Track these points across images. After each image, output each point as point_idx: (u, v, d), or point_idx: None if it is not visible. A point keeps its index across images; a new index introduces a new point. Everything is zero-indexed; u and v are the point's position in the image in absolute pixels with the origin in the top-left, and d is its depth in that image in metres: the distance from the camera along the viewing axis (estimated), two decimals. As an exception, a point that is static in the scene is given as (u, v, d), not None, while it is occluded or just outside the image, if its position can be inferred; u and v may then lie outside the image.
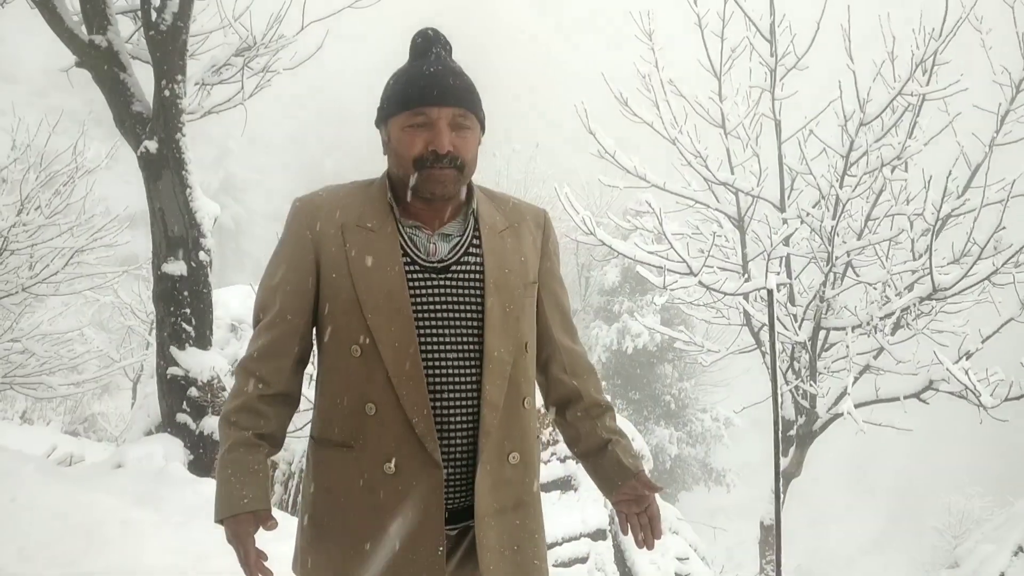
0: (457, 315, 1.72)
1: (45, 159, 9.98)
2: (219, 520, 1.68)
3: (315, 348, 1.83)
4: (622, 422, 9.85)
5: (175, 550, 3.72)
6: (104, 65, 6.01)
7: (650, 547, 1.87)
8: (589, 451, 1.93)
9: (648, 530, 1.87)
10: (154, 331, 8.25)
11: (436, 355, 1.70)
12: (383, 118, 1.78)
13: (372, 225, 1.74)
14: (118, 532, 3.84)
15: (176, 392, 6.07)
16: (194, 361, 6.07)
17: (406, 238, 1.74)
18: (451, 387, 1.70)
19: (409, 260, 1.72)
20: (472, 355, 1.72)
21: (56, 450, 8.56)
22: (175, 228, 6.06)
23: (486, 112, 1.82)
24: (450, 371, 1.70)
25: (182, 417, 6.04)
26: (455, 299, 1.73)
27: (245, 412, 1.73)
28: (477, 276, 1.75)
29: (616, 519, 9.05)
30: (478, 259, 1.77)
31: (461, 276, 1.74)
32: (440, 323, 1.71)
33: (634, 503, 1.86)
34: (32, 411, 16.04)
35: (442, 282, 1.73)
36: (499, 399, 1.73)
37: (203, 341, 6.21)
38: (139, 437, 7.01)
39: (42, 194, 9.91)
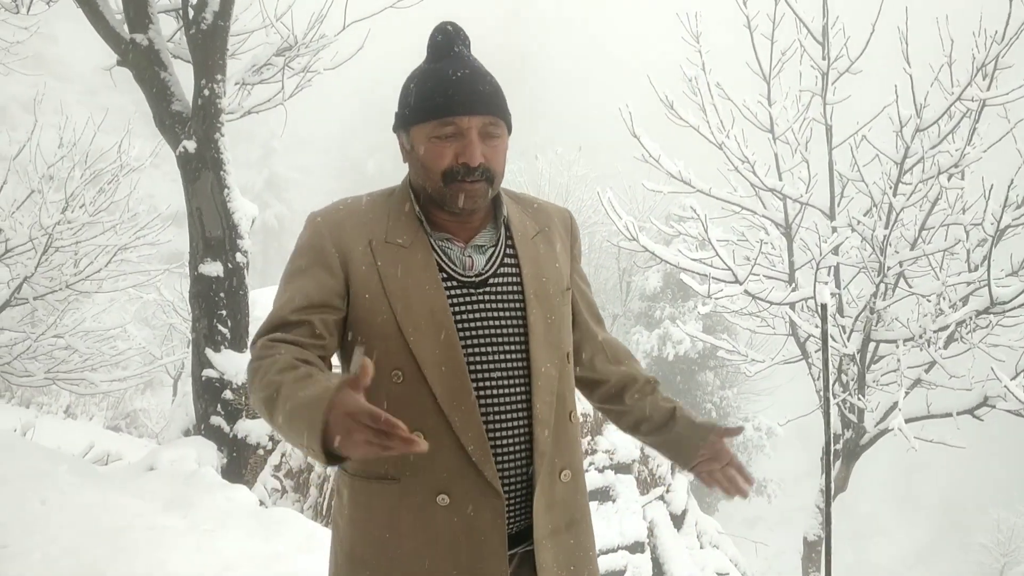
0: (500, 330, 1.62)
1: (90, 157, 10.08)
2: (321, 434, 1.27)
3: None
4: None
5: (202, 559, 3.63)
6: (145, 64, 5.99)
7: (744, 495, 1.80)
8: (658, 424, 1.85)
9: (736, 480, 1.80)
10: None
11: (482, 375, 1.59)
12: (404, 124, 1.65)
13: (403, 241, 1.62)
14: (145, 538, 3.77)
15: (211, 394, 6.03)
16: (229, 363, 6.02)
17: (439, 252, 1.63)
18: (500, 408, 1.60)
19: (446, 276, 1.61)
20: (519, 372, 1.62)
21: (93, 448, 8.60)
22: (212, 229, 6.01)
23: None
24: (498, 391, 1.60)
25: (216, 420, 6.00)
26: (496, 314, 1.62)
27: (267, 351, 1.50)
28: (516, 288, 1.65)
29: (655, 531, 8.90)
30: (514, 269, 1.67)
31: (500, 289, 1.64)
32: (483, 340, 1.60)
33: (714, 460, 1.80)
34: (76, 406, 16.25)
35: (481, 296, 1.62)
36: (549, 416, 1.63)
37: (239, 343, 6.16)
38: (177, 435, 7.00)
39: (87, 192, 10.01)
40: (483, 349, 1.60)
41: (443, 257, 1.63)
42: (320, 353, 1.56)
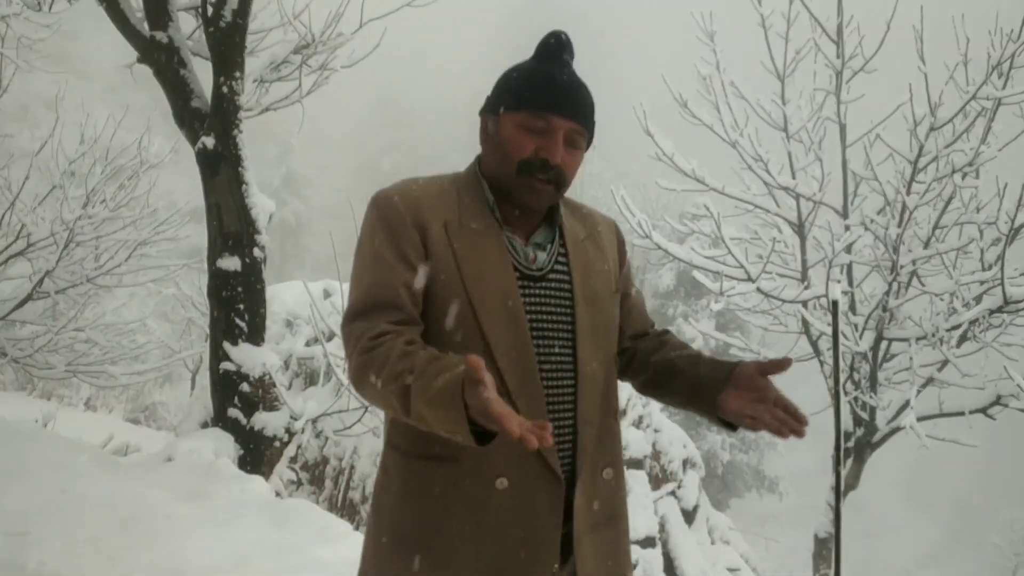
0: (552, 326, 1.65)
1: (111, 154, 10.20)
2: (461, 415, 1.32)
3: None
4: (671, 427, 9.71)
5: (218, 549, 3.71)
6: (164, 61, 6.08)
7: (800, 434, 1.52)
8: (681, 370, 1.74)
9: (789, 421, 1.53)
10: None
11: (539, 367, 1.62)
12: (495, 108, 1.69)
13: (476, 226, 1.65)
14: (163, 528, 3.86)
15: (228, 387, 6.12)
16: (246, 356, 6.10)
17: (508, 243, 1.67)
18: (552, 400, 1.63)
19: (514, 265, 1.65)
20: (565, 368, 1.65)
21: (113, 439, 8.73)
22: (230, 224, 6.10)
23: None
24: (550, 384, 1.63)
25: (233, 412, 6.08)
26: (550, 309, 1.66)
27: (372, 343, 1.51)
28: (567, 287, 1.69)
29: (666, 526, 8.94)
30: (566, 268, 1.71)
31: (554, 286, 1.68)
32: (539, 333, 1.63)
33: (755, 398, 1.58)
34: (96, 398, 16.44)
35: (540, 291, 1.66)
36: (594, 414, 1.67)
37: (256, 337, 6.24)
38: (195, 428, 7.09)
39: (107, 188, 10.14)
40: (539, 342, 1.63)
41: (511, 248, 1.66)
42: (417, 335, 1.58)
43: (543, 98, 1.62)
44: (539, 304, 1.65)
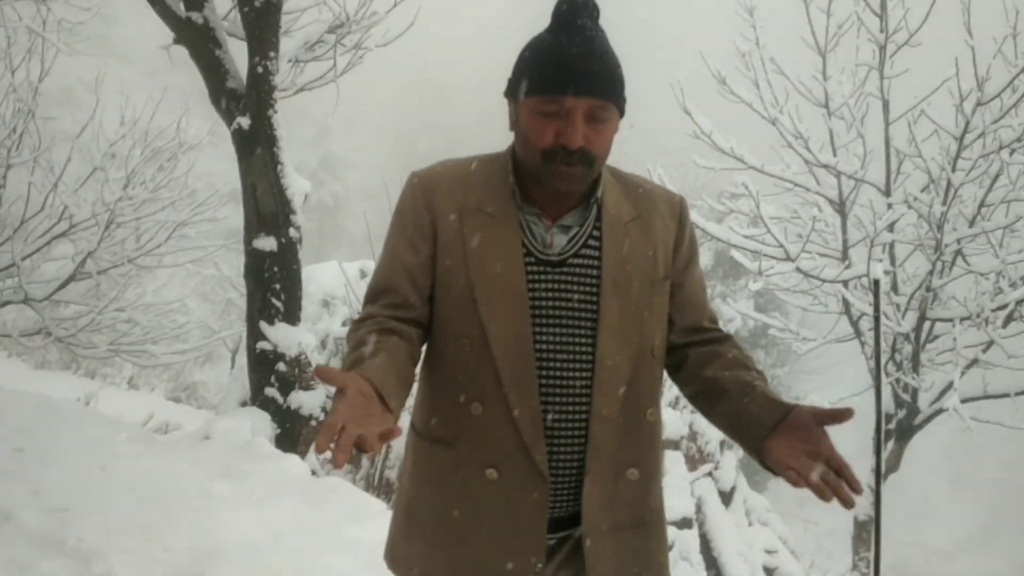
0: (571, 315, 1.56)
1: (150, 135, 10.32)
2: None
3: None
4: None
5: (253, 526, 3.74)
6: (200, 42, 6.11)
7: (848, 504, 1.34)
8: (728, 395, 1.60)
9: (840, 487, 1.34)
10: (248, 305, 8.44)
11: (547, 357, 1.55)
12: (513, 92, 1.60)
13: (492, 210, 1.59)
14: (200, 505, 3.90)
15: (265, 366, 6.17)
16: (283, 336, 6.15)
17: (524, 227, 1.59)
18: (561, 393, 1.55)
19: (526, 251, 1.57)
20: (584, 360, 1.56)
21: (153, 418, 8.87)
22: (266, 204, 6.13)
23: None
24: (561, 376, 1.55)
25: (270, 391, 6.14)
26: (570, 296, 1.57)
27: (355, 325, 1.58)
28: (594, 273, 1.58)
29: (703, 507, 8.89)
30: (596, 252, 1.59)
31: (577, 272, 1.58)
32: (553, 322, 1.55)
33: (807, 451, 1.41)
34: (138, 377, 16.71)
35: (557, 277, 1.57)
36: (611, 411, 1.57)
37: (292, 317, 6.29)
38: (234, 406, 7.17)
39: (147, 169, 10.25)
40: (552, 331, 1.55)
41: (527, 232, 1.58)
42: (414, 316, 1.59)
43: (552, 79, 1.50)
44: (554, 291, 1.57)
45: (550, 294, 1.56)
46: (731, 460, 9.47)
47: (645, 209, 1.67)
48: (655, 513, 1.68)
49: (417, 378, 1.65)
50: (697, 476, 8.94)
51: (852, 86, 8.72)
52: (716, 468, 9.26)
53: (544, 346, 1.55)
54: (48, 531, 3.38)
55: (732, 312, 20.13)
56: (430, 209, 1.60)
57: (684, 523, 8.33)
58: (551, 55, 1.52)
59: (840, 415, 1.41)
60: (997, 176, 8.24)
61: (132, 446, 4.85)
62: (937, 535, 32.66)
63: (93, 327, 10.05)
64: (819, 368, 20.99)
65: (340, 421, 1.20)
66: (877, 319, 4.18)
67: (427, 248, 1.59)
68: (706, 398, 1.66)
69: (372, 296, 1.63)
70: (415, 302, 1.59)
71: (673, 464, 8.60)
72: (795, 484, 1.37)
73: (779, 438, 1.46)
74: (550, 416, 1.54)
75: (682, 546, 8.18)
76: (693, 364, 1.70)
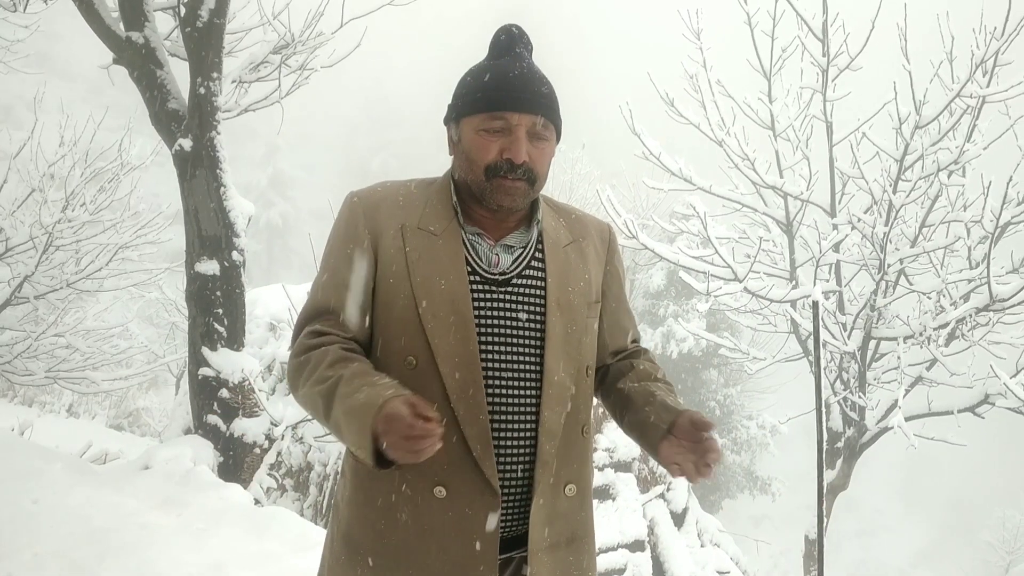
0: (517, 332, 1.59)
1: (91, 156, 10.08)
2: (372, 439, 1.35)
3: None
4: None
5: (192, 558, 3.63)
6: (140, 62, 5.98)
7: (706, 475, 1.50)
8: (636, 406, 1.68)
9: (701, 463, 1.49)
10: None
11: (494, 373, 1.56)
12: (455, 116, 1.65)
13: (434, 229, 1.61)
14: (136, 537, 3.77)
15: (207, 393, 6.02)
16: (225, 362, 6.01)
17: (468, 246, 1.61)
18: (508, 409, 1.57)
19: (470, 269, 1.59)
20: (531, 377, 1.59)
21: (91, 447, 8.61)
22: (209, 227, 6.01)
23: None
24: (507, 392, 1.57)
25: (212, 418, 5.99)
26: (516, 315, 1.60)
27: (312, 341, 1.56)
28: (539, 293, 1.62)
29: (655, 529, 8.88)
30: (540, 272, 1.64)
31: (522, 291, 1.61)
32: (499, 339, 1.58)
33: (689, 450, 1.52)
34: (78, 405, 16.29)
35: (503, 296, 1.60)
36: (557, 427, 1.59)
37: (235, 342, 6.15)
38: (178, 434, 6.99)
39: (87, 190, 10.01)
40: (498, 348, 1.57)
41: (471, 251, 1.61)
42: (352, 335, 1.58)
43: (496, 96, 1.57)
44: (500, 309, 1.59)
45: (496, 312, 1.58)
46: (683, 482, 9.48)
47: (580, 235, 1.75)
48: (587, 528, 1.70)
49: None
50: (649, 498, 8.93)
51: (797, 108, 8.85)
52: (668, 490, 9.26)
53: (492, 363, 1.56)
54: (-28, 570, 3.23)
55: (685, 332, 20.31)
56: (371, 228, 1.62)
57: (637, 545, 8.30)
58: (493, 77, 1.59)
59: (706, 424, 1.52)
60: (937, 197, 8.39)
61: (67, 477, 4.68)
62: (889, 550, 33.18)
63: (30, 353, 9.77)
64: (771, 387, 21.24)
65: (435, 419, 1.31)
66: (817, 342, 4.19)
67: (368, 267, 1.60)
68: (618, 408, 1.74)
69: (312, 315, 1.62)
70: (356, 321, 1.59)
71: (625, 486, 8.58)
72: (673, 475, 1.56)
73: (670, 440, 1.56)
74: (497, 431, 1.56)
75: (634, 569, 8.15)
76: (611, 378, 1.79)
